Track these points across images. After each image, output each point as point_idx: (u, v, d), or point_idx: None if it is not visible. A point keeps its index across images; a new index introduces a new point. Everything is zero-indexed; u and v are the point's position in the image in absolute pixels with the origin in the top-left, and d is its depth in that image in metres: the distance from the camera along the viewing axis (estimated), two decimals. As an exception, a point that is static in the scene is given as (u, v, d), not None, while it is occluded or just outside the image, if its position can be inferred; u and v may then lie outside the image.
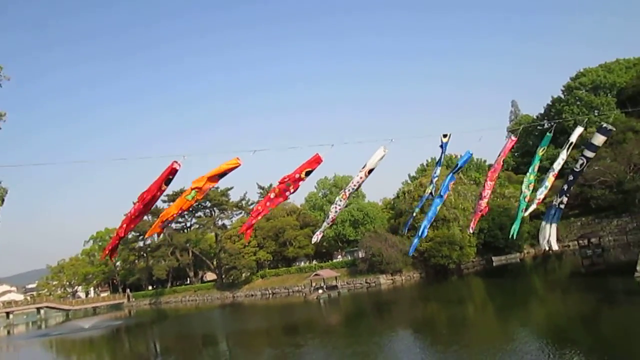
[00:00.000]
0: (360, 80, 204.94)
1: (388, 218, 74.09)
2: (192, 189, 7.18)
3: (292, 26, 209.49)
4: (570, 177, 11.37)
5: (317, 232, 10.23)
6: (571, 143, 11.07)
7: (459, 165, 10.98)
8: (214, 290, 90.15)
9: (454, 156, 49.55)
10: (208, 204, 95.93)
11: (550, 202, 11.60)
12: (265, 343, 32.52)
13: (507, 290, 42.14)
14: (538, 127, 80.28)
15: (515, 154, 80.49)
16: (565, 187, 11.20)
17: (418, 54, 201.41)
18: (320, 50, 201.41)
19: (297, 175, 8.07)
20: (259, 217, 8.56)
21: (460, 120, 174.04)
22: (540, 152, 11.11)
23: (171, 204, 7.30)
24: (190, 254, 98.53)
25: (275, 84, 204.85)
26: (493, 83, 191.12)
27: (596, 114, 65.97)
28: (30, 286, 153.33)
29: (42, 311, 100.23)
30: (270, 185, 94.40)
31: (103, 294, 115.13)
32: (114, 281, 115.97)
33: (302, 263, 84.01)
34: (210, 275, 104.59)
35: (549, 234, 11.13)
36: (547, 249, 11.87)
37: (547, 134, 10.84)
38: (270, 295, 74.80)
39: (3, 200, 16.54)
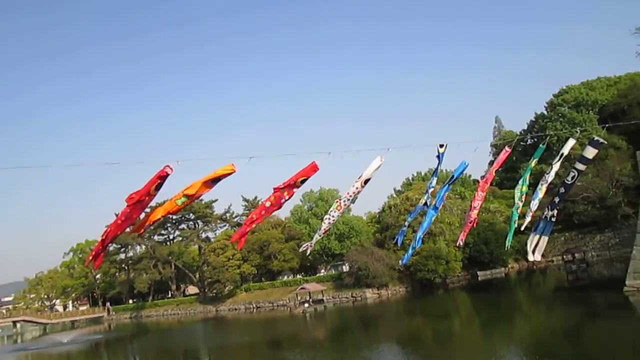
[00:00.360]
0: (360, 90, 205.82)
1: (373, 232, 73.97)
2: (183, 194, 6.95)
3: (293, 34, 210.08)
4: (562, 190, 11.43)
5: (309, 243, 10.02)
6: (562, 155, 11.18)
7: (454, 176, 10.92)
8: (197, 304, 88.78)
9: (443, 170, 49.80)
10: (192, 216, 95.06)
11: (539, 215, 11.62)
12: (249, 358, 32.03)
13: (492, 304, 42.18)
14: (522, 143, 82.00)
15: (499, 169, 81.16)
16: (557, 199, 11.24)
17: (388, 64, 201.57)
18: (322, 59, 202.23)
19: (292, 183, 7.89)
20: (253, 225, 8.35)
21: (449, 131, 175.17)
22: (533, 163, 11.16)
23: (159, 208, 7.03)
24: (173, 266, 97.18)
25: (275, 94, 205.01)
26: (476, 96, 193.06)
27: (578, 131, 67.05)
28: (6, 299, 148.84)
29: (18, 325, 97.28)
30: (256, 198, 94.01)
31: (82, 308, 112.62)
32: (94, 294, 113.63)
33: (287, 277, 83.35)
34: (192, 289, 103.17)
35: (536, 245, 11.13)
36: (532, 259, 11.88)
37: (540, 145, 10.97)
38: (255, 309, 73.83)
39: None
